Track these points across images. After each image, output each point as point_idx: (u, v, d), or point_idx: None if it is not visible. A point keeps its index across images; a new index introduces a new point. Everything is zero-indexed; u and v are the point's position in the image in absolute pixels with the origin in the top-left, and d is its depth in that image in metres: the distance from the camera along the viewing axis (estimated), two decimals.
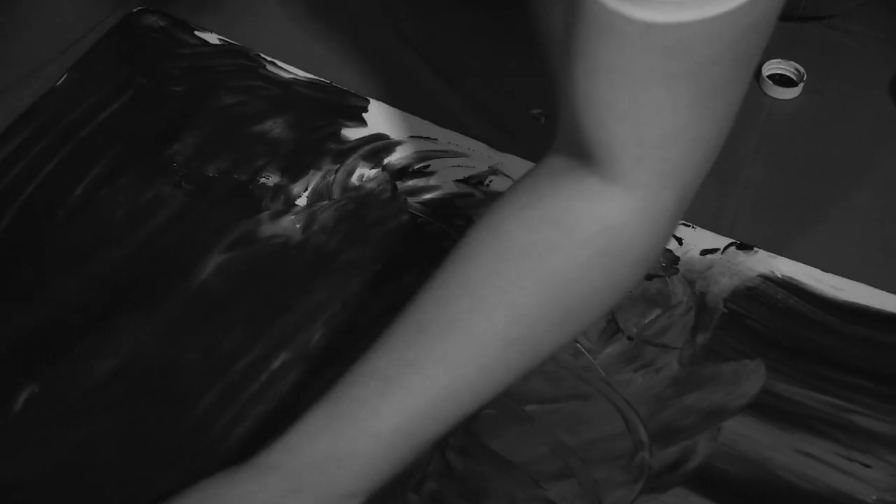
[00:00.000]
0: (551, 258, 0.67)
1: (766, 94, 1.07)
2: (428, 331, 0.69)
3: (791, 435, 0.84)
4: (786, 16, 1.10)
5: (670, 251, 0.94)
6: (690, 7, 0.56)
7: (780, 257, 0.95)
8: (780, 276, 0.94)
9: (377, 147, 1.02)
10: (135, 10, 1.12)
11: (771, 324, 0.91)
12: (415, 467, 0.83)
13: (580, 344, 0.89)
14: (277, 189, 0.98)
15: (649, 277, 0.93)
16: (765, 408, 0.86)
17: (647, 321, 0.91)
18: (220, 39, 1.10)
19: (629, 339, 0.90)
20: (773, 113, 1.06)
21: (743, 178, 1.00)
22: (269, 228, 0.95)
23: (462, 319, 0.68)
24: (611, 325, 0.90)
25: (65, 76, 1.05)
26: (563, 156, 0.68)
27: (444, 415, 0.69)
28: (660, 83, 0.60)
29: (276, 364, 0.88)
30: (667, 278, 0.93)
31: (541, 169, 0.70)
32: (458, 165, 1.00)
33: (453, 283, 0.69)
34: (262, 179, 0.99)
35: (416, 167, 1.00)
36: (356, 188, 0.99)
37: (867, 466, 0.83)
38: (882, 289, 0.92)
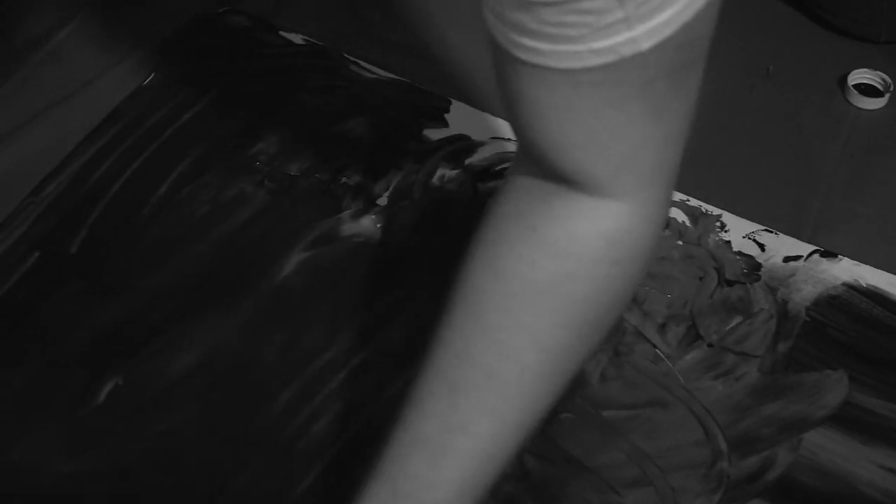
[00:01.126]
0: (566, 287, 0.66)
1: (851, 103, 1.05)
2: (463, 389, 0.67)
3: (874, 449, 0.83)
4: (867, 39, 1.09)
5: (752, 257, 0.93)
6: (606, 53, 0.56)
7: (864, 266, 0.93)
8: (864, 284, 0.92)
9: (458, 148, 1.02)
10: (220, 11, 1.13)
11: (854, 333, 0.89)
12: None
13: (660, 350, 0.88)
14: (358, 188, 0.99)
15: (730, 284, 0.92)
16: (847, 420, 0.84)
17: (727, 328, 0.90)
18: (304, 40, 1.10)
19: (709, 346, 0.89)
20: (858, 123, 1.04)
21: (825, 187, 0.99)
22: (349, 227, 0.96)
23: (494, 369, 0.66)
24: (691, 331, 0.90)
25: (151, 76, 1.07)
26: (538, 178, 0.66)
27: (498, 461, 0.68)
28: (606, 109, 0.60)
29: (354, 362, 0.88)
30: (748, 285, 0.92)
31: (519, 193, 0.68)
32: None
33: (473, 334, 0.67)
34: (344, 179, 0.99)
35: (497, 168, 1.00)
36: (437, 189, 0.99)
37: None
38: None
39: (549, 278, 0.65)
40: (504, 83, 0.62)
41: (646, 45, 0.56)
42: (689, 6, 0.56)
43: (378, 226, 0.96)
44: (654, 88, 0.59)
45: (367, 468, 0.68)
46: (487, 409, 0.67)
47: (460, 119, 1.04)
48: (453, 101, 1.05)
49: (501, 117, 0.99)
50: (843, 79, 1.06)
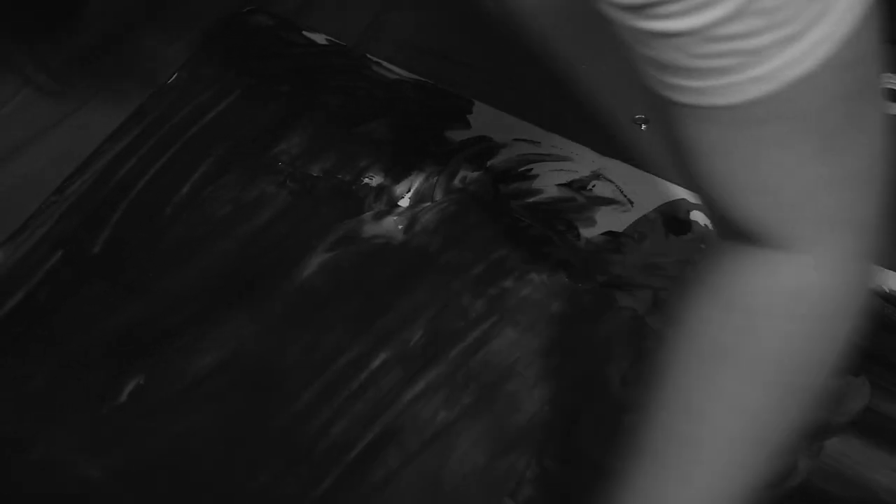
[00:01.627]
0: (751, 345, 0.62)
1: None
2: (676, 464, 0.64)
3: (895, 456, 0.83)
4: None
5: None
6: (766, 81, 0.52)
7: (888, 271, 0.92)
8: (887, 290, 0.92)
9: (480, 149, 1.01)
10: (244, 10, 1.13)
11: (877, 340, 0.89)
12: (511, 473, 0.83)
13: None
14: (380, 190, 0.99)
15: None
16: (869, 427, 0.84)
17: None
18: (327, 40, 1.10)
19: None
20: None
21: None
22: (371, 229, 0.96)
23: (691, 436, 0.63)
24: None
25: (175, 75, 1.07)
26: (727, 238, 0.63)
27: None
28: (773, 148, 0.56)
29: (375, 364, 0.88)
30: None
31: (717, 255, 0.65)
32: (561, 169, 1.00)
33: (668, 400, 0.64)
34: (366, 180, 0.99)
35: (519, 170, 1.00)
36: (459, 190, 0.99)
37: None
38: None
39: (732, 337, 0.62)
40: (668, 133, 0.59)
41: (807, 65, 0.52)
42: (845, 18, 0.52)
43: (399, 227, 0.96)
44: (824, 120, 0.55)
45: None
46: (688, 478, 0.64)
47: (482, 120, 1.04)
48: (476, 102, 1.05)
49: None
50: None
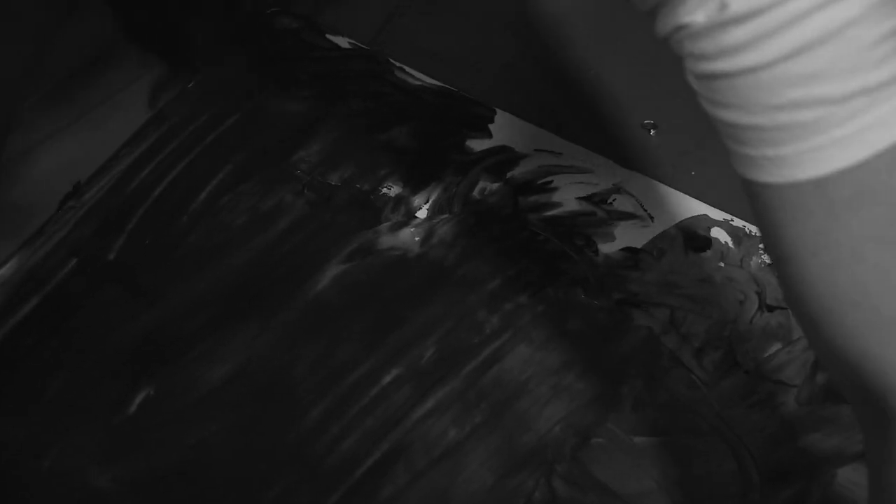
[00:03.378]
0: None
1: None
2: None
3: None
4: None
5: None
6: (853, 144, 0.44)
7: None
8: None
9: (501, 160, 1.01)
10: (268, 12, 1.12)
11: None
12: (519, 493, 0.83)
13: (695, 375, 0.87)
14: (399, 200, 0.98)
15: (771, 309, 0.90)
16: None
17: (765, 355, 0.88)
18: (350, 43, 1.10)
19: (746, 372, 0.87)
20: None
21: None
22: (388, 240, 0.96)
23: None
24: (728, 357, 0.88)
25: (195, 79, 1.07)
26: (863, 420, 0.52)
27: None
28: (868, 246, 0.46)
29: (387, 379, 0.88)
30: (789, 311, 0.90)
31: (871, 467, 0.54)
32: (582, 182, 0.99)
33: None
34: (384, 190, 0.99)
35: (539, 182, 0.99)
36: (477, 202, 0.98)
37: None
38: None
39: None
40: (764, 235, 0.50)
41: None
42: None
43: (416, 239, 0.96)
44: None
45: None
46: None
47: (505, 130, 1.03)
48: (498, 110, 1.04)
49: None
50: None
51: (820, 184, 0.45)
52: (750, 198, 0.50)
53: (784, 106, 0.45)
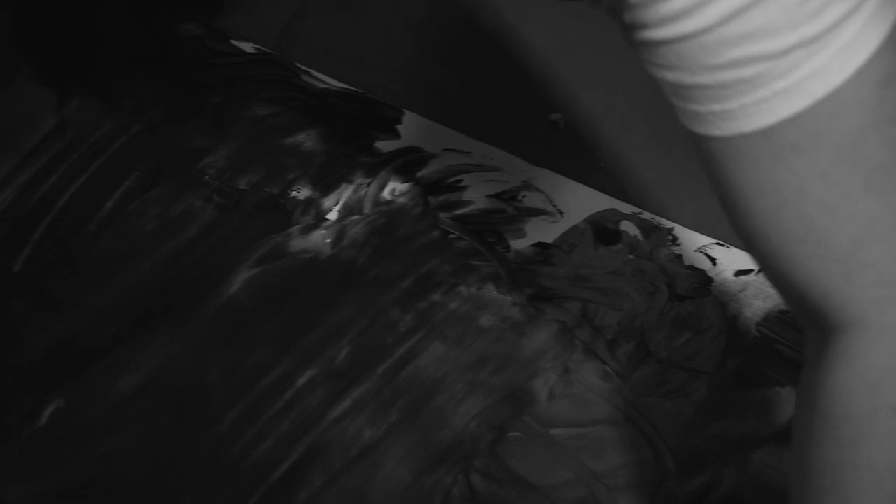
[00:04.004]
0: (846, 469, 0.53)
1: None
2: None
3: None
4: None
5: (703, 272, 0.93)
6: (793, 94, 0.47)
7: None
8: None
9: (410, 160, 1.01)
10: (172, 19, 1.11)
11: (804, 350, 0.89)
12: (437, 490, 0.83)
13: (609, 367, 0.88)
14: (308, 203, 0.98)
15: (681, 299, 0.91)
16: None
17: (677, 344, 0.89)
18: (255, 48, 1.09)
19: (659, 362, 0.88)
20: None
21: None
22: (298, 243, 0.95)
23: None
24: (641, 347, 0.89)
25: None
26: (808, 327, 0.56)
27: None
28: (814, 183, 0.49)
29: (301, 381, 0.87)
30: (699, 300, 0.91)
31: (809, 359, 0.58)
32: (492, 180, 0.99)
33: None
34: (294, 193, 0.98)
35: (449, 181, 0.99)
36: (388, 202, 0.98)
37: None
38: None
39: (830, 458, 0.53)
40: (712, 182, 0.53)
41: (837, 78, 0.46)
42: (876, 23, 0.47)
43: (327, 241, 0.95)
44: (866, 150, 0.48)
45: None
46: None
47: (413, 130, 1.03)
48: (406, 111, 1.04)
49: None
50: None
51: (766, 133, 0.48)
52: (698, 150, 0.52)
53: (726, 65, 0.47)
